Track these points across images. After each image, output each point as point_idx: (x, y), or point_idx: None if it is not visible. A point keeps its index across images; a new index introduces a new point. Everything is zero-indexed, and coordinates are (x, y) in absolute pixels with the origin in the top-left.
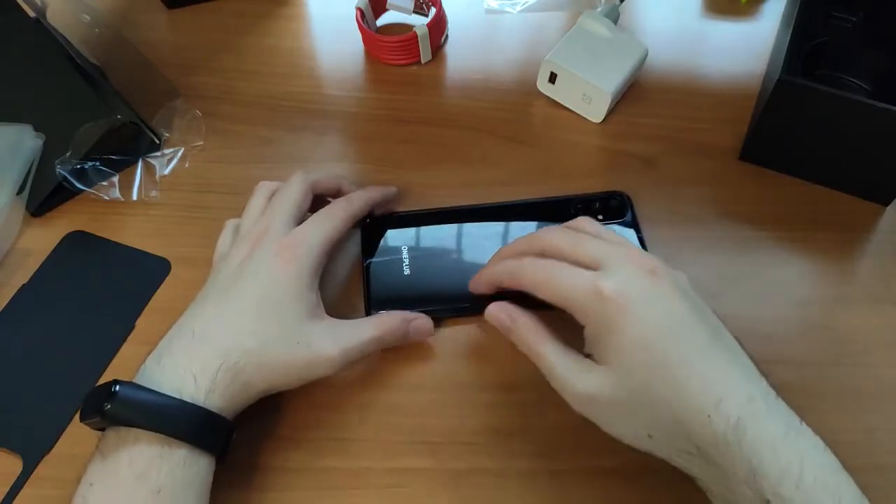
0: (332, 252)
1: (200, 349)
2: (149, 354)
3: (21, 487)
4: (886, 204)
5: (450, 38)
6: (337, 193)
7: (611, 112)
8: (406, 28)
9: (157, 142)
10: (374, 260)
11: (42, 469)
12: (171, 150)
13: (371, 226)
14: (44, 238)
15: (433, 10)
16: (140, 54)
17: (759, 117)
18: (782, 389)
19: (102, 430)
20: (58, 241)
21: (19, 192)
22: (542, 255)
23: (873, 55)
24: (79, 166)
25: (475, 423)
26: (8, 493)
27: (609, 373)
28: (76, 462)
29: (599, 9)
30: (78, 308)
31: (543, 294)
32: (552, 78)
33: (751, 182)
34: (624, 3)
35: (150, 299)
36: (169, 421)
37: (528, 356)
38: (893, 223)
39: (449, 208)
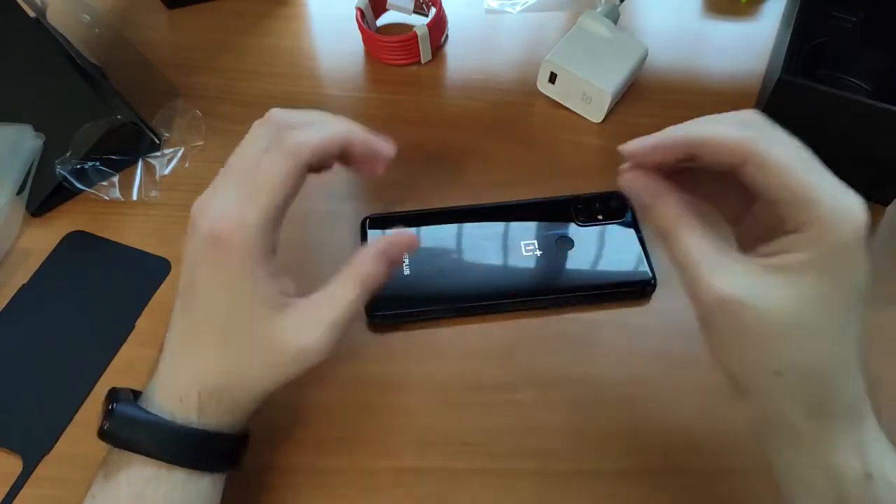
0: (288, 210)
1: (178, 373)
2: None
3: (21, 487)
4: (886, 204)
5: (450, 38)
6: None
7: (611, 112)
8: (406, 28)
9: (157, 142)
10: None
11: (42, 469)
12: (171, 150)
13: (371, 226)
14: (44, 238)
15: (433, 10)
16: (140, 54)
17: None
18: None
19: None
20: (58, 241)
21: (19, 192)
22: None
23: (873, 55)
24: (79, 166)
25: (475, 423)
26: (8, 493)
27: (801, 270)
28: (76, 462)
29: (599, 9)
30: (78, 308)
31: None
32: (552, 78)
33: None
34: (624, 3)
35: (150, 299)
36: (162, 446)
37: (663, 240)
38: (893, 223)
39: (449, 208)
